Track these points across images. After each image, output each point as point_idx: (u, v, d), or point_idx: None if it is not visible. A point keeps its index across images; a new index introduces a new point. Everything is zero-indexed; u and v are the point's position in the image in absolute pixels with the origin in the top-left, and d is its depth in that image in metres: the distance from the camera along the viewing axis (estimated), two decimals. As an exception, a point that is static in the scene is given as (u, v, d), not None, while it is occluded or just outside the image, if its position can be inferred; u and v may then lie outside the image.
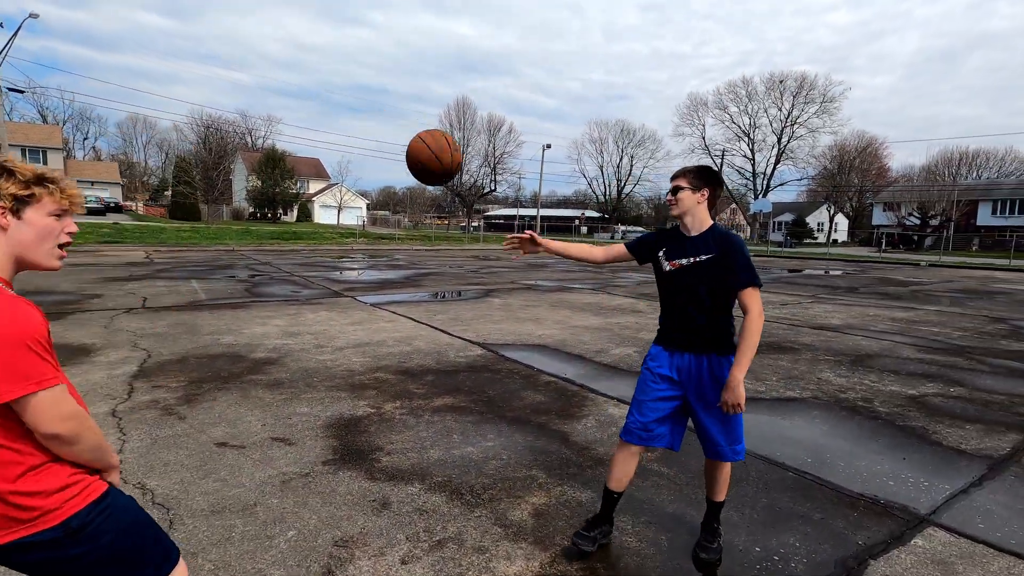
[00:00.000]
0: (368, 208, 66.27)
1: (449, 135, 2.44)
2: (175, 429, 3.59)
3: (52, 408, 1.14)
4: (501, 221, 73.41)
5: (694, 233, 2.21)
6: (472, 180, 56.96)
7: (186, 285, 11.02)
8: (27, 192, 1.19)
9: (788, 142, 56.67)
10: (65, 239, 1.27)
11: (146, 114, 76.62)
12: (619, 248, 2.48)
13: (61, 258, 1.28)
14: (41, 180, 1.21)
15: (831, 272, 20.62)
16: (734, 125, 57.98)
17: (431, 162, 2.35)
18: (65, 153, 54.02)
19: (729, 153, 58.08)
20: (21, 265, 1.24)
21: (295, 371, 5.03)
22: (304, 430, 3.64)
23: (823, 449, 3.62)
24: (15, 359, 1.10)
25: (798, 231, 56.24)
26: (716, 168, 2.19)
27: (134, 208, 53.82)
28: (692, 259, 2.18)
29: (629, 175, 68.59)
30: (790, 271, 20.59)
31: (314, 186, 62.41)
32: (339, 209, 56.52)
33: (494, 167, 56.45)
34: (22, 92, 29.79)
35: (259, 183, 51.17)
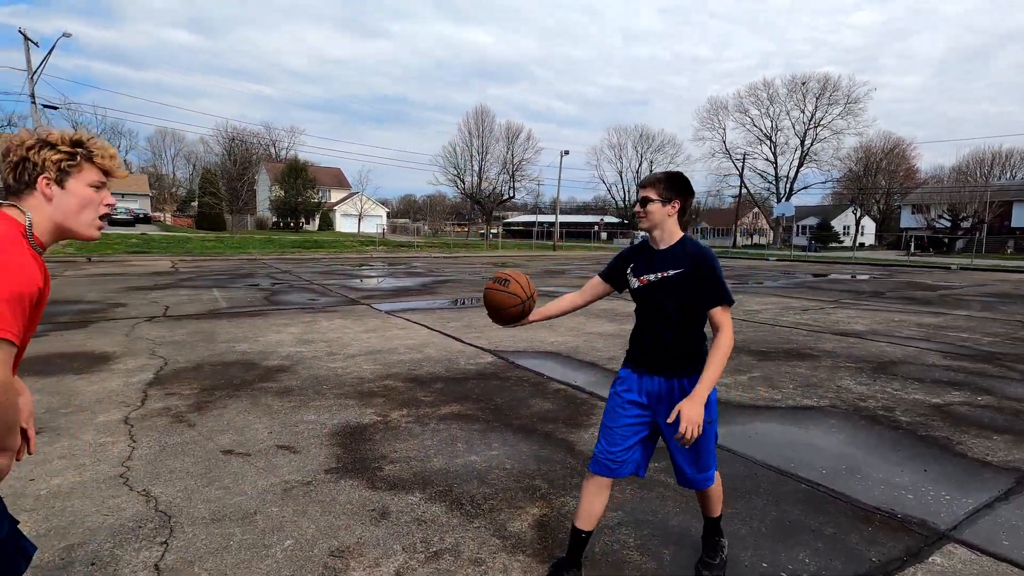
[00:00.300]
0: (388, 216, 66.98)
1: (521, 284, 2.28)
2: (184, 436, 3.63)
3: None
4: (520, 227, 73.57)
5: (663, 247, 2.09)
6: (491, 187, 57.21)
7: (208, 294, 11.23)
8: (68, 160, 1.24)
9: (812, 144, 55.67)
10: (104, 210, 1.30)
11: (174, 128, 78.83)
12: (594, 281, 2.33)
13: (100, 228, 1.31)
14: (79, 143, 1.26)
15: (857, 276, 20.12)
16: (755, 128, 57.20)
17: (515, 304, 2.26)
18: (97, 166, 55.73)
19: (751, 156, 57.33)
20: (62, 233, 1.27)
21: (306, 379, 5.06)
22: (309, 438, 3.65)
23: (839, 460, 3.49)
24: None
25: (823, 235, 55.07)
26: (686, 176, 1.84)
27: (162, 219, 55.24)
28: (660, 274, 2.06)
29: (649, 180, 68.07)
30: (814, 275, 20.15)
31: (335, 195, 63.35)
32: (360, 218, 57.22)
33: (512, 174, 56.54)
34: (56, 108, 30.87)
35: (282, 193, 52.15)
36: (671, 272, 2.04)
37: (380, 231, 50.40)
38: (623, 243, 60.03)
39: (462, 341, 6.91)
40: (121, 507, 2.72)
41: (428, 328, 7.78)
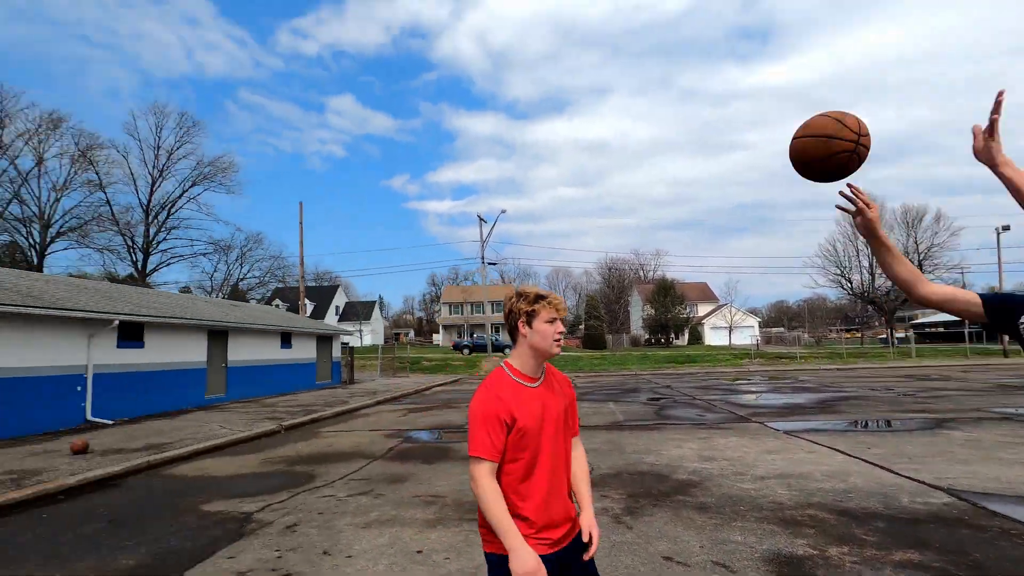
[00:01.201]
0: (760, 326, 63.17)
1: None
2: (625, 537, 4.13)
3: (472, 471, 1.68)
4: (941, 329, 57.83)
5: None
6: (888, 284, 47.89)
7: (605, 407, 12.68)
8: (532, 308, 1.81)
9: None
10: (557, 336, 1.86)
11: (564, 265, 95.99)
12: (968, 295, 1.45)
13: (558, 346, 1.87)
14: (539, 298, 1.86)
15: None
16: None
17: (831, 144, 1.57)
18: (515, 303, 72.03)
19: None
20: (538, 354, 1.85)
21: (719, 497, 5.09)
22: (744, 560, 3.63)
23: None
24: (471, 428, 1.70)
25: None
26: None
27: (558, 341, 66.03)
28: None
29: None
30: None
31: (702, 309, 63.94)
32: (730, 329, 55.80)
33: (920, 264, 46.31)
34: (494, 264, 42.12)
35: (652, 311, 55.86)
36: None
37: (754, 342, 47.71)
38: None
39: (895, 472, 5.78)
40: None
41: (843, 453, 6.81)
